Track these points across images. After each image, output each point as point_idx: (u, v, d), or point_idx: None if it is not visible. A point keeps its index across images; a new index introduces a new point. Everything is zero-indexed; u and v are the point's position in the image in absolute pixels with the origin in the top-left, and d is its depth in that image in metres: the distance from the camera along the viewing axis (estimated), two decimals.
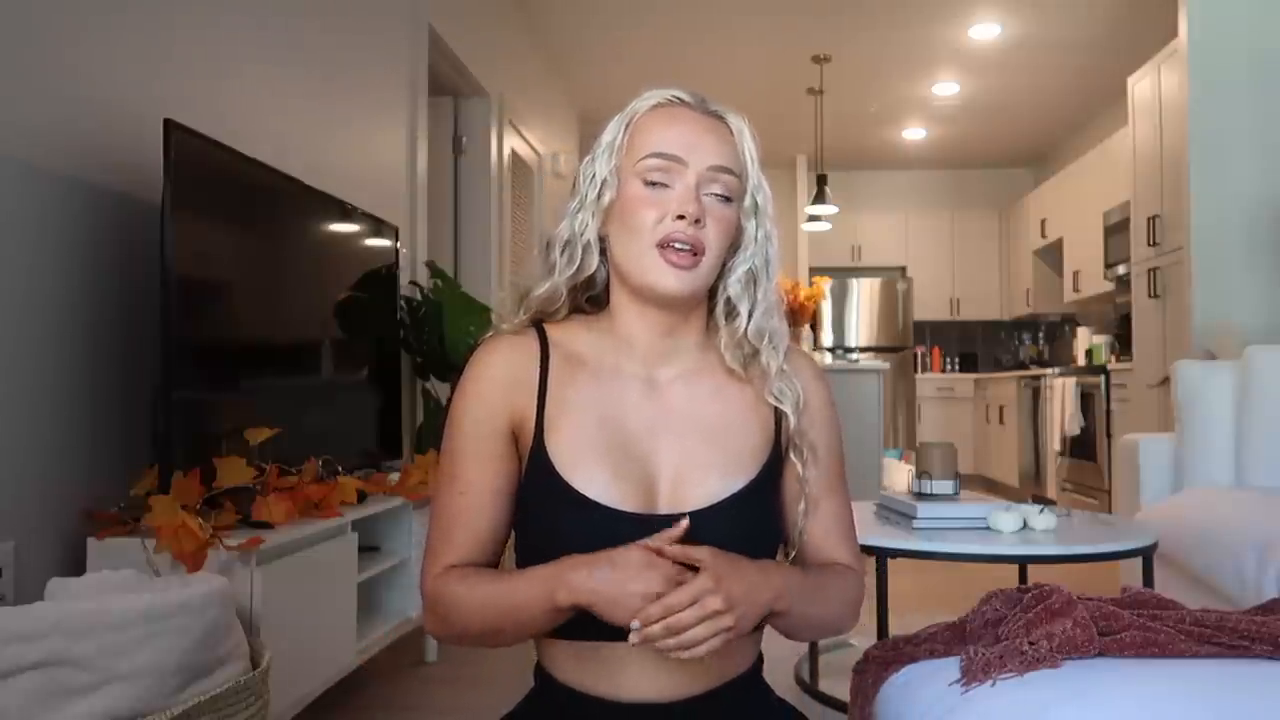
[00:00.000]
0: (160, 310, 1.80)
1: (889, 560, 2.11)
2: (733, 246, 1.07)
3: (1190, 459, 2.95)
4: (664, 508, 1.01)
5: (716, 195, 1.03)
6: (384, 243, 2.92)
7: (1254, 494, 2.69)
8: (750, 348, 1.07)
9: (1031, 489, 6.63)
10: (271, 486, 1.95)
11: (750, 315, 1.07)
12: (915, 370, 8.05)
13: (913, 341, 7.95)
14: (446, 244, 4.53)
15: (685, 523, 0.96)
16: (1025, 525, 2.12)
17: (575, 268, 1.07)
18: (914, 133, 7.71)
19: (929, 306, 8.44)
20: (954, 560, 2.02)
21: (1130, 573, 2.47)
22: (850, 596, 1.09)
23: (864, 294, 7.88)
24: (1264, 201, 3.75)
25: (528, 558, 1.02)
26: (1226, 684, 1.11)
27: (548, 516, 1.00)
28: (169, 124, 1.82)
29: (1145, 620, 1.24)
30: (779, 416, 1.08)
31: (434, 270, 3.52)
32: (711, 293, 1.09)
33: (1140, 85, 4.54)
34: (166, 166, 1.81)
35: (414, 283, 3.44)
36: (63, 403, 1.82)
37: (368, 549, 2.44)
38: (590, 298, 1.12)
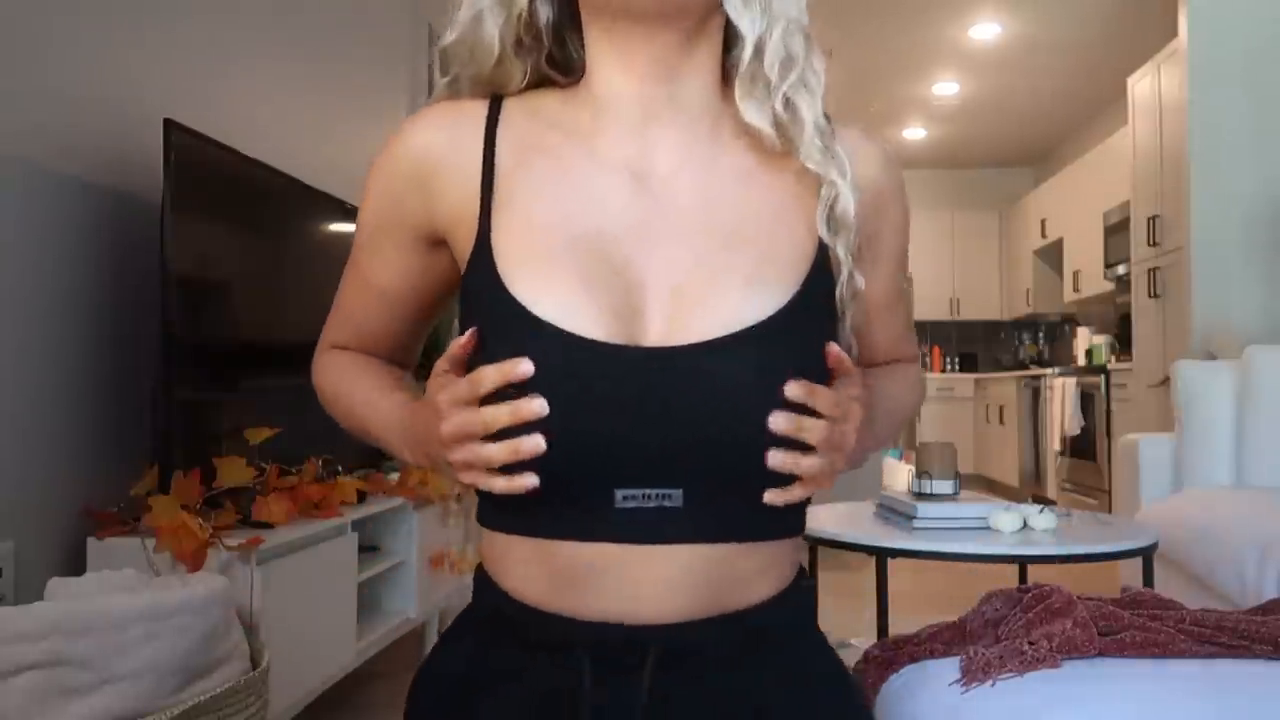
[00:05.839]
0: (160, 310, 1.80)
1: (889, 560, 2.11)
2: None
3: (1190, 459, 2.95)
4: (655, 338, 0.70)
5: None
6: None
7: (1254, 494, 2.69)
8: (782, 99, 0.74)
9: (1031, 489, 6.63)
10: (271, 486, 1.96)
11: (759, 42, 0.73)
12: None
13: None
14: None
15: (525, 366, 0.66)
16: (1025, 525, 2.12)
17: None
18: (914, 133, 7.70)
19: (929, 306, 8.44)
20: (954, 560, 2.02)
21: (1130, 573, 2.47)
22: (917, 388, 0.90)
23: None
24: (1264, 201, 3.75)
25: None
26: (1226, 684, 1.11)
27: (492, 342, 0.70)
28: (169, 124, 1.82)
29: (1145, 620, 1.24)
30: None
31: None
32: (730, 44, 0.77)
33: (1140, 85, 4.54)
34: (166, 166, 1.81)
35: None
36: (63, 402, 1.82)
37: (368, 549, 2.43)
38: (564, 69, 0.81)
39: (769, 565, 0.73)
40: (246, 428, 1.95)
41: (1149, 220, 4.35)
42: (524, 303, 0.69)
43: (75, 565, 1.76)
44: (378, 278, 0.83)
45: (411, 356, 0.89)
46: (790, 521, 0.74)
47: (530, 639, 0.72)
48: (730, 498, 0.69)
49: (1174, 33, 4.07)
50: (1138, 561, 2.12)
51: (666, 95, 0.75)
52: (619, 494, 0.68)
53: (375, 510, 2.36)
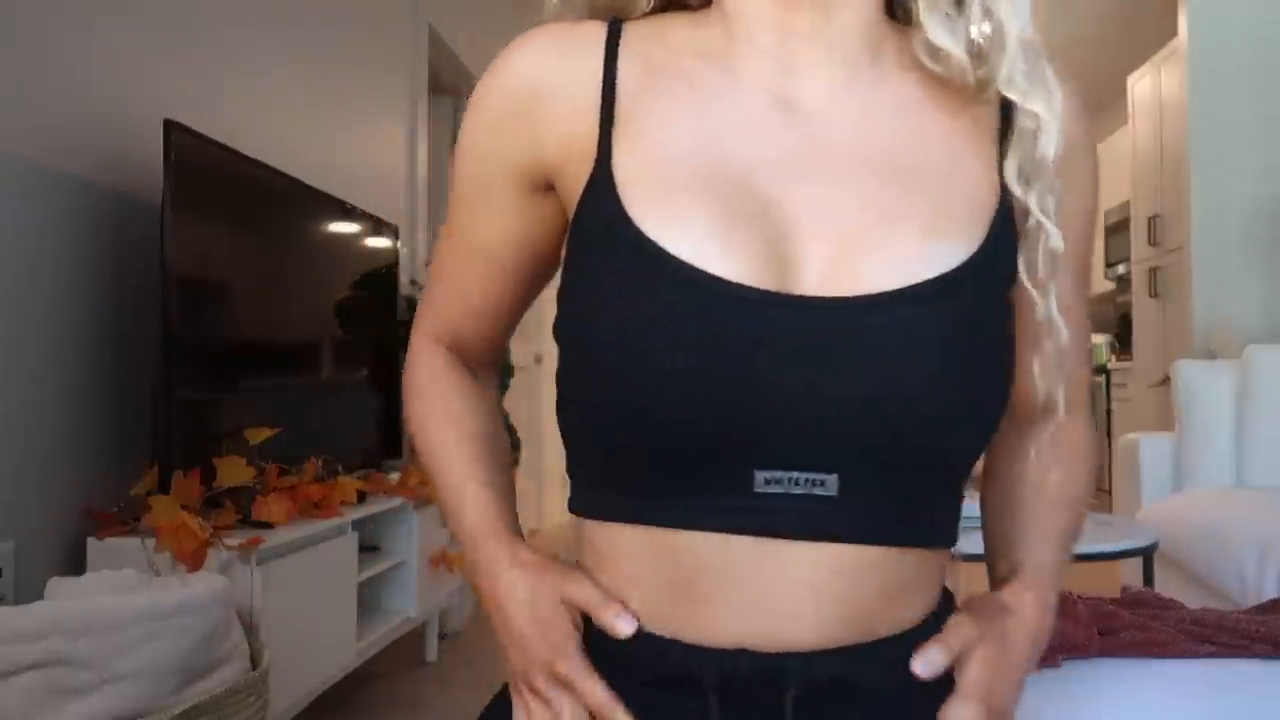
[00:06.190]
0: (160, 310, 1.80)
1: None
2: None
3: (1190, 459, 2.95)
4: (812, 285, 0.56)
5: None
6: (384, 242, 2.92)
7: (1254, 494, 2.69)
8: (980, 10, 0.61)
9: None
10: (271, 486, 1.96)
11: None
12: None
13: None
14: None
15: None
16: None
17: None
18: None
19: None
20: (954, 560, 2.02)
21: (1130, 573, 2.47)
22: (1090, 466, 0.73)
23: None
24: (1264, 200, 3.75)
25: (570, 353, 0.60)
26: (1226, 684, 1.11)
27: (609, 283, 0.58)
28: (169, 124, 1.82)
29: (1145, 620, 1.24)
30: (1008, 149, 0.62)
31: None
32: None
33: (1140, 85, 4.54)
34: (166, 166, 1.81)
35: (414, 282, 3.44)
36: (62, 402, 1.82)
37: (368, 549, 2.44)
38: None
39: (922, 579, 0.60)
40: (246, 428, 1.95)
41: (1149, 219, 4.35)
42: (653, 236, 0.56)
43: (75, 565, 1.76)
44: (478, 236, 0.69)
45: (506, 338, 0.76)
46: (952, 528, 0.62)
47: (640, 670, 0.58)
48: (893, 489, 0.57)
49: (1174, 32, 4.06)
50: (1138, 561, 2.12)
51: (822, 22, 0.61)
52: (760, 476, 0.55)
53: (375, 510, 2.36)
